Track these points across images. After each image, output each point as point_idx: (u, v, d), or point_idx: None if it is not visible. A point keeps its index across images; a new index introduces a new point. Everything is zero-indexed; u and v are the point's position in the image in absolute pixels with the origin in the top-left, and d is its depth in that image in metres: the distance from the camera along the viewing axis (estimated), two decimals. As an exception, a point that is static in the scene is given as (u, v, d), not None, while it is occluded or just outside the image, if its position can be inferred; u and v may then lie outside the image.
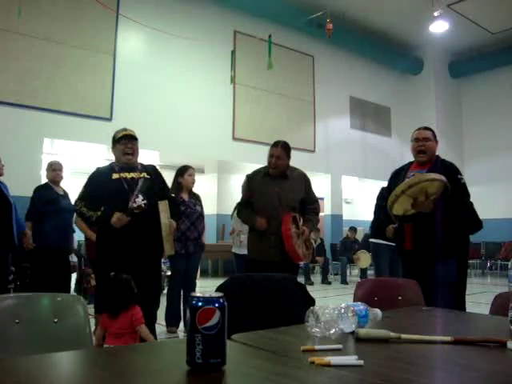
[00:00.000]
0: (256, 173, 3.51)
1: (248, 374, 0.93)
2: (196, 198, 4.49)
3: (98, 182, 3.05)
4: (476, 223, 4.76)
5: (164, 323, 4.62)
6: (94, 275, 5.29)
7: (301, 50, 10.83)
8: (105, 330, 2.66)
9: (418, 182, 2.68)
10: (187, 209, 4.31)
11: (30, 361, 0.99)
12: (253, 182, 3.45)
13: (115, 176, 3.00)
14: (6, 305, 1.46)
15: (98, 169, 3.18)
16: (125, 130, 3.10)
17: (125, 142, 3.03)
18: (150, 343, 2.20)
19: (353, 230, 9.93)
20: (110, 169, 3.07)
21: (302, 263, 8.92)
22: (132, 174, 3.02)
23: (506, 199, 11.86)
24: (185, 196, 4.37)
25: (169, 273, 4.65)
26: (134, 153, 3.06)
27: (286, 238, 3.16)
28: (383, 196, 4.77)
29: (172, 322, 4.37)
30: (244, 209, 3.49)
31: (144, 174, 3.07)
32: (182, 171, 4.45)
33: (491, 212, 10.31)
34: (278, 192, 3.31)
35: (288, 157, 3.40)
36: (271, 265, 3.12)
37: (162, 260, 4.11)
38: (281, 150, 3.35)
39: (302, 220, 3.37)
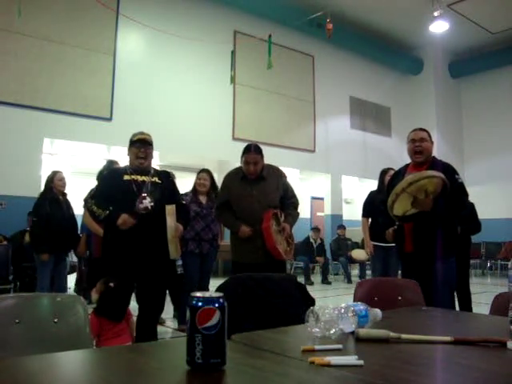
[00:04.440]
0: (232, 174, 3.43)
1: (248, 374, 0.93)
2: (213, 201, 4.51)
3: (109, 183, 3.12)
4: (475, 225, 4.81)
5: (165, 323, 4.64)
6: (88, 272, 5.32)
7: (301, 49, 10.83)
8: (96, 336, 2.64)
9: (418, 180, 2.70)
10: (203, 210, 4.39)
11: (30, 361, 0.99)
12: (230, 185, 3.38)
13: (126, 177, 3.04)
14: (6, 305, 1.46)
15: (110, 169, 3.20)
16: (141, 133, 3.12)
17: (138, 145, 3.06)
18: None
19: (342, 227, 10.06)
20: (123, 170, 3.13)
21: (301, 262, 9.01)
22: (143, 177, 3.05)
23: (506, 199, 11.85)
24: (202, 199, 4.44)
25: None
26: (147, 157, 3.08)
27: (267, 235, 3.11)
28: (371, 200, 4.83)
29: (183, 320, 4.37)
30: (225, 211, 3.40)
31: (155, 179, 3.10)
32: (197, 175, 4.56)
33: (491, 212, 10.32)
34: (257, 196, 3.25)
35: (262, 158, 3.32)
36: (257, 267, 3.06)
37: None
38: (256, 154, 3.26)
39: (283, 216, 3.31)
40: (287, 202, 3.40)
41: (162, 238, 2.94)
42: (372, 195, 4.94)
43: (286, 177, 3.49)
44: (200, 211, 4.35)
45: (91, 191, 3.93)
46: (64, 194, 4.75)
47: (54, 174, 4.74)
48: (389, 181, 3.37)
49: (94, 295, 2.72)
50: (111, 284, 2.72)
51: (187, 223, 3.41)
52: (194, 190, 4.49)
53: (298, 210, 3.51)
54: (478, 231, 4.83)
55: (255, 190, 3.27)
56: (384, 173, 4.75)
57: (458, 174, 2.95)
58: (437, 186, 2.74)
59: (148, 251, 2.96)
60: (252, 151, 3.26)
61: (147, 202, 2.97)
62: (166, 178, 3.22)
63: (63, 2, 7.68)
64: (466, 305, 4.52)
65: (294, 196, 3.46)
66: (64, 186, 4.75)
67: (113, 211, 2.93)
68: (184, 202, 3.43)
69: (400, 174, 3.13)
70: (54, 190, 4.66)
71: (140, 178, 3.04)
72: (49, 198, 4.60)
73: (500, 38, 11.59)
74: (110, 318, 2.68)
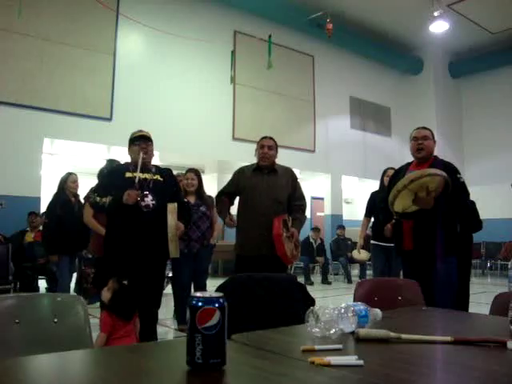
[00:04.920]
0: (246, 167, 3.55)
1: (248, 374, 0.93)
2: (203, 200, 4.52)
3: (111, 180, 3.13)
4: (476, 223, 4.80)
5: (165, 323, 4.64)
6: (95, 271, 5.33)
7: (301, 50, 10.83)
8: (109, 335, 2.64)
9: (420, 177, 2.69)
10: None
11: (30, 361, 0.99)
12: (241, 177, 3.48)
13: (128, 175, 3.04)
14: (6, 305, 1.46)
15: (113, 166, 3.21)
16: (140, 131, 3.14)
17: (139, 142, 3.06)
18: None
19: (341, 227, 10.05)
20: (125, 168, 3.13)
21: (301, 263, 9.00)
22: (145, 175, 3.06)
23: (506, 199, 11.82)
24: (191, 198, 4.43)
25: (170, 274, 4.67)
26: (149, 153, 3.09)
27: (279, 243, 3.16)
28: (373, 200, 4.86)
29: (183, 320, 4.37)
30: (221, 201, 3.51)
31: (157, 176, 3.10)
32: (184, 175, 4.55)
33: (491, 212, 10.31)
34: (267, 188, 3.34)
35: (276, 149, 3.49)
36: (262, 260, 3.15)
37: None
38: (271, 140, 3.45)
39: (290, 220, 3.37)
40: (295, 203, 3.44)
41: (162, 236, 2.95)
42: (373, 195, 4.98)
43: (297, 179, 3.57)
44: None
45: (92, 189, 3.94)
46: (76, 195, 4.80)
47: (68, 175, 4.81)
48: (390, 178, 3.38)
49: (106, 294, 2.71)
50: (125, 282, 2.72)
51: (188, 222, 3.42)
52: (184, 192, 4.46)
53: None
54: (478, 229, 4.81)
55: (265, 182, 3.37)
56: (383, 173, 4.79)
57: (459, 174, 2.95)
58: (438, 184, 2.74)
59: (149, 249, 2.97)
60: (268, 138, 3.48)
61: (149, 200, 2.98)
62: (168, 175, 3.22)
63: (63, 2, 7.67)
64: (463, 305, 4.51)
65: (302, 198, 3.52)
66: (77, 188, 4.83)
67: (116, 194, 2.93)
68: (186, 200, 3.44)
69: (401, 172, 3.13)
70: (67, 191, 4.72)
71: (142, 176, 3.04)
72: (61, 200, 4.65)
73: (500, 37, 11.59)
74: (123, 317, 2.68)
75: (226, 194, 3.51)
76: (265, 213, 3.25)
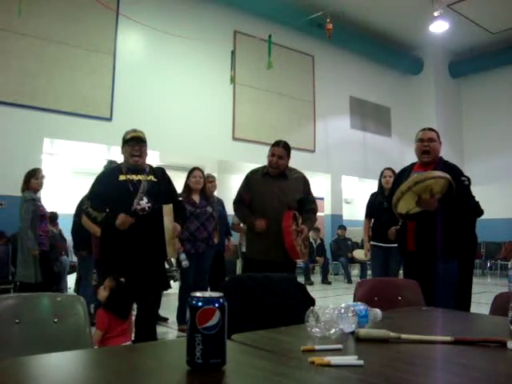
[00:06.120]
0: (255, 171, 3.52)
1: (248, 374, 0.93)
2: (207, 200, 4.52)
3: (104, 183, 3.08)
4: (478, 212, 4.75)
5: (166, 323, 4.64)
6: (97, 274, 5.36)
7: (301, 49, 10.83)
8: (104, 334, 2.64)
9: (425, 179, 2.69)
10: (197, 209, 4.37)
11: (30, 361, 0.99)
12: (252, 181, 3.45)
13: (122, 177, 3.00)
14: (6, 305, 1.46)
15: (106, 169, 3.17)
16: (134, 131, 3.08)
17: (132, 143, 3.01)
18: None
19: (342, 228, 10.03)
20: (118, 170, 3.08)
21: (301, 263, 9.01)
22: (139, 176, 3.02)
23: (506, 199, 11.84)
24: (195, 198, 4.43)
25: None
26: (142, 155, 3.04)
27: (287, 234, 3.15)
28: (372, 201, 4.87)
29: (183, 320, 4.38)
30: (241, 207, 3.49)
31: (151, 177, 3.06)
32: (188, 174, 4.55)
33: (491, 212, 10.27)
34: (278, 192, 3.32)
35: (288, 157, 3.42)
36: (270, 265, 3.13)
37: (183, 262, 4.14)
38: (282, 149, 3.37)
39: (301, 219, 3.38)
40: (307, 207, 3.45)
41: (159, 237, 2.94)
42: (372, 196, 4.99)
43: (309, 183, 3.57)
44: (194, 210, 4.33)
45: (86, 195, 3.93)
46: None
47: None
48: (394, 179, 3.40)
49: (103, 292, 2.72)
50: (122, 280, 2.72)
51: (184, 221, 3.41)
52: (188, 189, 4.47)
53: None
54: (479, 215, 4.78)
55: (276, 187, 3.33)
56: (381, 174, 4.84)
57: (464, 176, 2.94)
58: (443, 187, 2.74)
59: (145, 251, 2.96)
60: (280, 146, 3.38)
61: (144, 203, 2.96)
62: (162, 175, 3.19)
63: (63, 2, 7.67)
64: (465, 306, 4.50)
65: (314, 202, 3.53)
66: None
67: (110, 212, 2.91)
68: (180, 199, 3.44)
69: (405, 172, 3.13)
70: None
71: (136, 178, 3.00)
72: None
73: (500, 37, 11.59)
74: (119, 315, 2.69)
75: (241, 201, 3.48)
76: (275, 218, 3.23)
